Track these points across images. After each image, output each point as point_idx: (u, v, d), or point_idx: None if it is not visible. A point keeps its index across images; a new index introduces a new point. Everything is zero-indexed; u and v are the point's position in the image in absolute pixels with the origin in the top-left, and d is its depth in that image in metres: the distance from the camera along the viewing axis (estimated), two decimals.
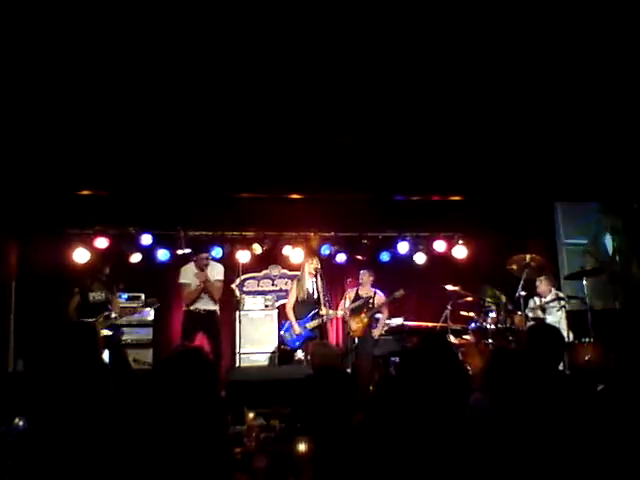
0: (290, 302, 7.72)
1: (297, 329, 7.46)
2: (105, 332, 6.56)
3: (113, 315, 6.80)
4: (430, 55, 5.73)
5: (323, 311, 7.37)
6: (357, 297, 7.82)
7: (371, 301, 7.75)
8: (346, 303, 7.77)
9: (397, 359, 7.07)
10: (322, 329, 7.42)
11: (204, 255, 7.40)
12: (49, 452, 1.89)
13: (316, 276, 7.53)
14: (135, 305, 7.58)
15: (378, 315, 7.86)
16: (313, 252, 8.15)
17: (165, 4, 4.90)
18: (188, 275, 7.37)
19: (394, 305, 8.09)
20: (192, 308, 7.24)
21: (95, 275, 7.01)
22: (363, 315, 7.65)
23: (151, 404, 2.19)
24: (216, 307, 7.36)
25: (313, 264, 7.61)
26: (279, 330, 8.14)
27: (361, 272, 7.97)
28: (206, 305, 7.24)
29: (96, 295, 6.88)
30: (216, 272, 7.45)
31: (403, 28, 5.29)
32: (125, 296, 7.92)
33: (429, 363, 2.26)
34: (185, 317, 7.34)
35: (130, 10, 4.94)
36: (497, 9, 5.07)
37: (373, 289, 7.89)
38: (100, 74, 5.93)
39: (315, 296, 7.53)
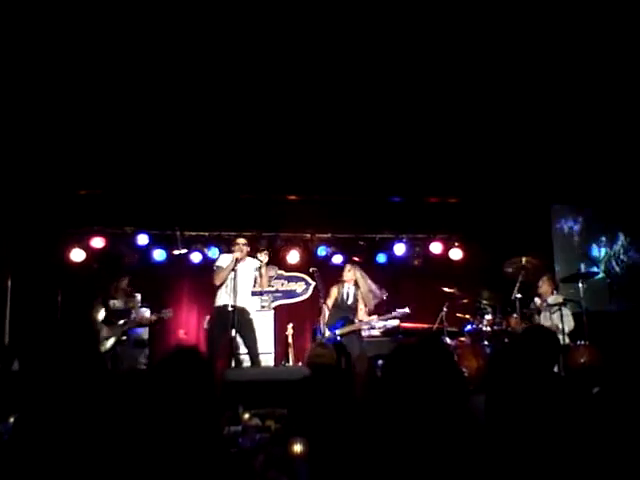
0: (326, 305, 7.41)
1: (327, 333, 7.19)
2: (121, 337, 6.94)
3: (129, 321, 7.05)
4: (429, 54, 5.74)
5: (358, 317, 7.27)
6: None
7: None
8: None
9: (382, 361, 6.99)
10: (356, 334, 7.24)
11: (241, 240, 7.04)
12: (42, 451, 1.88)
13: (356, 284, 7.38)
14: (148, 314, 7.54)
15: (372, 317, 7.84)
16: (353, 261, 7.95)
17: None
18: (224, 260, 6.98)
19: (388, 305, 8.08)
20: (221, 304, 6.75)
21: (117, 285, 7.19)
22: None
23: (146, 404, 2.19)
24: (246, 305, 6.84)
25: (351, 272, 7.48)
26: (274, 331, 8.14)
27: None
28: (235, 301, 6.60)
29: (116, 303, 7.12)
30: (252, 261, 7.07)
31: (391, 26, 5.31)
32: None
33: (421, 364, 2.25)
34: (214, 313, 6.95)
35: (125, 13, 4.96)
36: (496, 11, 5.08)
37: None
38: (97, 74, 5.93)
39: (349, 302, 7.36)
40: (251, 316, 6.92)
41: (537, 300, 7.25)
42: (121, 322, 6.99)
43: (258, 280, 6.94)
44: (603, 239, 8.93)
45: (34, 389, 1.96)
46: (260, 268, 6.87)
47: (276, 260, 8.91)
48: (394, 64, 5.90)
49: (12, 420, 3.30)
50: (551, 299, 7.17)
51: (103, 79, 6.03)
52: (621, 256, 8.94)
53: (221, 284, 6.82)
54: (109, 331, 6.93)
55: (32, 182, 7.47)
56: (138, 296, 7.29)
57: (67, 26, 5.14)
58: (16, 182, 7.39)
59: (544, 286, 7.24)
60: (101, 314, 7.11)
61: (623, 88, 6.35)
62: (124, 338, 7.00)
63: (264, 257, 6.91)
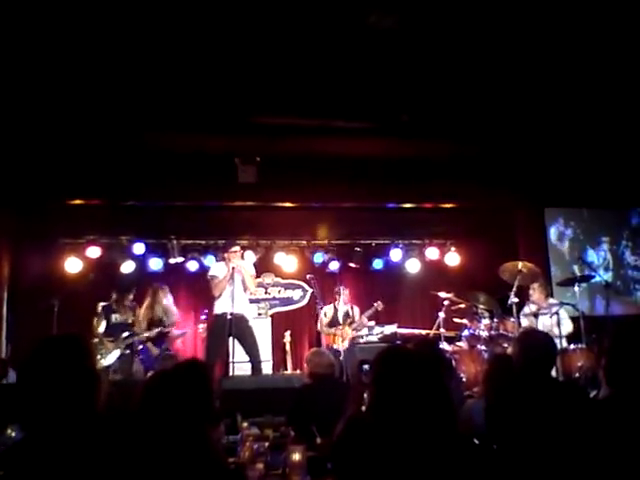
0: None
1: None
2: (124, 351, 6.94)
3: (133, 335, 7.03)
4: (431, 61, 5.79)
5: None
6: (335, 312, 7.85)
7: (350, 314, 7.82)
8: (324, 319, 7.83)
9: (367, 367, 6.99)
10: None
11: (235, 248, 7.05)
12: (38, 464, 1.88)
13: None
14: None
15: (363, 324, 7.91)
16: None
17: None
18: (217, 269, 7.06)
19: (387, 312, 8.10)
20: (219, 312, 6.76)
21: (120, 299, 7.21)
22: (347, 327, 7.69)
23: (143, 415, 2.19)
24: (245, 312, 6.84)
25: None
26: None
27: (342, 289, 7.99)
28: (234, 308, 6.61)
29: (118, 317, 7.14)
30: (248, 266, 7.16)
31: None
32: None
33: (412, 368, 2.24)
34: (212, 322, 6.98)
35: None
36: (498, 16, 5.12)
37: (349, 304, 7.97)
38: (89, 83, 5.95)
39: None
40: (250, 323, 6.92)
41: (532, 306, 7.21)
42: (124, 335, 7.00)
43: (245, 281, 6.94)
44: (600, 243, 8.95)
45: (31, 402, 1.96)
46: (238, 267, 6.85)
47: (272, 267, 8.91)
48: (404, 72, 5.96)
49: (9, 431, 3.29)
50: (545, 304, 7.16)
51: (95, 89, 6.05)
52: (618, 260, 8.96)
53: (220, 294, 6.84)
54: (113, 344, 6.93)
55: (28, 192, 7.45)
56: (139, 310, 7.28)
57: (60, 34, 5.16)
58: (12, 192, 7.38)
59: (536, 294, 7.20)
60: (102, 327, 7.13)
61: (617, 92, 6.38)
62: (127, 352, 6.98)
63: (238, 258, 6.95)
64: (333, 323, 7.78)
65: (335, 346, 7.55)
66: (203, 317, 8.05)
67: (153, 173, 7.47)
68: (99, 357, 6.80)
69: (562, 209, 8.98)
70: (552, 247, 8.81)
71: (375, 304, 7.86)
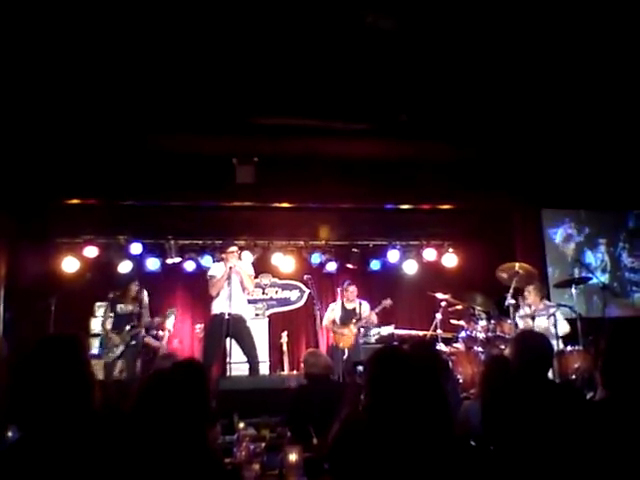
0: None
1: None
2: (130, 342, 7.02)
3: (136, 327, 7.08)
4: (429, 63, 5.80)
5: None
6: (343, 309, 7.84)
7: (357, 312, 7.79)
8: (330, 315, 7.82)
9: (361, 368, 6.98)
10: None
11: (233, 248, 7.09)
12: (36, 464, 1.88)
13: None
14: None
15: (372, 321, 7.90)
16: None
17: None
18: (216, 269, 7.08)
19: (384, 313, 8.10)
20: (217, 312, 6.76)
21: (126, 291, 7.28)
22: (352, 326, 7.67)
23: (140, 415, 2.18)
24: (242, 313, 6.87)
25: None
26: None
27: (348, 286, 7.96)
28: (231, 309, 6.63)
29: (124, 307, 7.20)
30: (246, 266, 7.22)
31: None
32: None
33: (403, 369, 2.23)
34: (209, 322, 6.98)
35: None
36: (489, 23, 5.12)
37: (358, 300, 7.93)
38: (85, 84, 5.95)
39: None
40: (248, 323, 6.93)
41: (526, 309, 7.21)
42: (128, 327, 7.04)
43: (243, 281, 6.96)
44: (597, 245, 8.95)
45: (28, 402, 1.96)
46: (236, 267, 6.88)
47: (270, 268, 8.91)
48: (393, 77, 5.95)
49: (7, 433, 3.28)
50: (541, 306, 7.16)
51: (92, 89, 6.04)
52: (616, 262, 8.97)
53: (217, 293, 6.84)
54: (118, 337, 6.96)
55: (24, 191, 7.43)
56: (145, 300, 7.29)
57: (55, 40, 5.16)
58: (8, 192, 7.36)
59: (531, 296, 7.19)
60: (109, 322, 7.14)
61: (613, 95, 6.40)
62: (133, 343, 7.02)
63: (235, 259, 6.98)
64: (341, 321, 7.76)
65: (341, 345, 7.56)
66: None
67: (150, 173, 7.46)
68: (106, 351, 6.89)
69: (560, 210, 8.98)
70: (555, 249, 8.79)
71: (384, 301, 7.85)
